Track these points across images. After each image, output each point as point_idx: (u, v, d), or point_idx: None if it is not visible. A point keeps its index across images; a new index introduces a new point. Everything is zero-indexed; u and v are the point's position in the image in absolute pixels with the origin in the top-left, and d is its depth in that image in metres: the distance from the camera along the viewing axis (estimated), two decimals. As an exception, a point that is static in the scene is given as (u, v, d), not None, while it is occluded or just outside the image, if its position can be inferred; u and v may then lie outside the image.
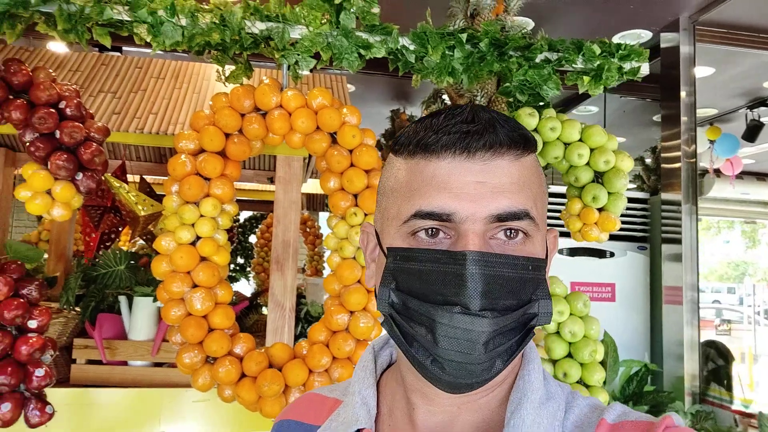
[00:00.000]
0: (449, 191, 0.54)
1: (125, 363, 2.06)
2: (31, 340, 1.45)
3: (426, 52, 1.71)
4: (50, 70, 1.61)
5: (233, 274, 4.42)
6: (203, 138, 1.55)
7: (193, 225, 1.54)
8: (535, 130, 1.73)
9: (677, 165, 2.91)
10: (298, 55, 1.67)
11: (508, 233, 0.56)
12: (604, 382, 1.72)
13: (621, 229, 3.15)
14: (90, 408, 1.99)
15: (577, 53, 1.79)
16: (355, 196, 1.63)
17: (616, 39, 3.14)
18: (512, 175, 0.56)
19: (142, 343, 2.07)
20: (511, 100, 1.80)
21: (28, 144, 1.50)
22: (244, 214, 4.67)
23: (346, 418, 0.65)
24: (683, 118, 2.88)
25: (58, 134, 1.50)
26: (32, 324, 1.46)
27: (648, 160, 3.88)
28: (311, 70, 1.84)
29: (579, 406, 0.61)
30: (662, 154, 3.04)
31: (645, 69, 1.82)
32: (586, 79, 1.82)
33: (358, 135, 1.62)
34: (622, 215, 2.83)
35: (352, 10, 1.67)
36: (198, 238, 1.55)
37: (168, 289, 1.50)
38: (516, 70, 1.74)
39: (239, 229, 4.54)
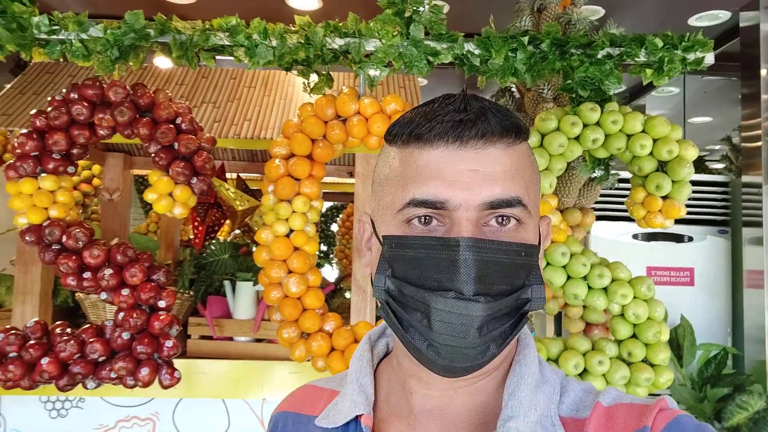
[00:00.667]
0: (442, 179, 0.55)
1: (231, 338, 2.37)
2: (161, 317, 1.75)
3: (490, 55, 1.85)
4: (167, 91, 1.90)
5: (319, 261, 4.74)
6: (293, 144, 1.79)
7: (287, 219, 1.78)
8: (598, 123, 1.83)
9: (758, 144, 2.85)
10: (373, 65, 1.86)
11: (501, 220, 0.57)
12: (681, 363, 1.81)
13: (700, 213, 3.11)
14: (204, 376, 2.32)
15: (640, 47, 1.86)
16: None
17: (692, 21, 3.08)
18: (504, 163, 0.57)
19: (244, 322, 2.37)
20: (574, 95, 1.90)
21: (153, 154, 1.80)
22: (326, 205, 4.97)
23: (344, 406, 0.66)
24: (764, 96, 2.81)
25: (176, 146, 1.78)
26: (161, 304, 1.77)
27: (735, 140, 3.76)
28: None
29: (573, 390, 0.63)
30: (742, 134, 2.97)
31: (710, 58, 1.86)
32: (649, 71, 1.88)
33: (429, 136, 1.79)
34: (701, 199, 2.84)
35: (420, 21, 1.84)
36: (291, 230, 1.79)
37: (268, 274, 1.76)
38: (578, 67, 1.84)
39: (321, 218, 4.85)
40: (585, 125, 1.82)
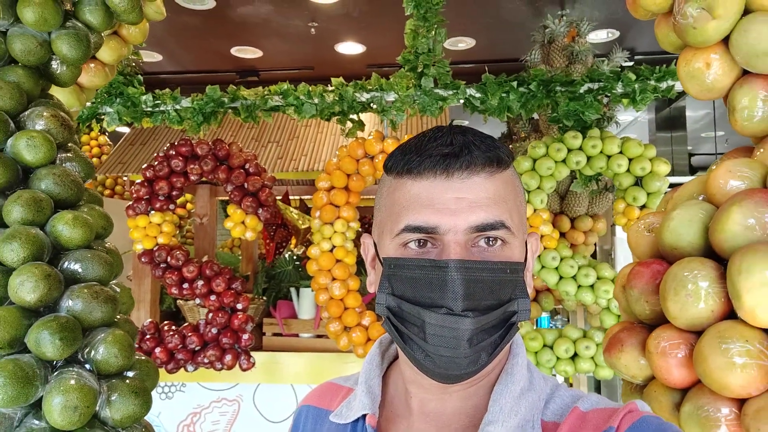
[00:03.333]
0: (432, 207, 0.60)
1: (297, 335, 2.92)
2: (239, 316, 2.32)
3: (487, 98, 2.27)
4: (238, 143, 2.48)
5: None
6: (333, 179, 2.30)
7: (330, 238, 2.29)
8: (580, 148, 2.19)
9: None
10: (394, 112, 2.34)
11: (488, 241, 0.62)
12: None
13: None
14: (277, 366, 2.88)
15: (617, 81, 2.21)
16: (439, 211, 2.25)
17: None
18: (488, 190, 0.61)
19: (307, 321, 2.91)
20: (560, 125, 2.28)
21: (228, 192, 2.38)
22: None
23: (354, 405, 0.72)
24: None
25: (246, 185, 2.35)
26: (239, 306, 2.33)
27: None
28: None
29: (561, 397, 0.67)
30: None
31: (678, 86, 2.17)
32: (625, 101, 2.22)
33: (438, 167, 2.24)
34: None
35: (430, 75, 2.29)
36: (333, 246, 2.30)
37: (317, 281, 2.28)
38: (561, 102, 2.22)
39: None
40: (570, 150, 2.19)
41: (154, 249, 2.35)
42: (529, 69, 2.33)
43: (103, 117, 2.52)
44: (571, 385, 4.13)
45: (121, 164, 3.16)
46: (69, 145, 1.02)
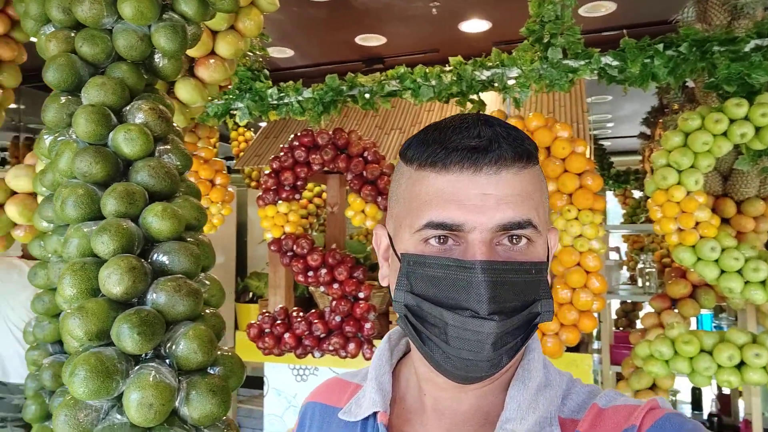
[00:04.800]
0: (458, 203, 0.58)
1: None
2: (361, 305, 2.31)
3: (627, 66, 1.99)
4: (358, 132, 2.46)
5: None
6: (452, 164, 2.18)
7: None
8: (746, 117, 1.83)
9: None
10: (518, 89, 2.15)
11: (513, 239, 0.59)
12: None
13: None
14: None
15: (795, 32, 1.80)
16: (570, 195, 2.03)
17: None
18: (515, 187, 0.59)
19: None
20: (719, 92, 1.92)
21: (348, 181, 2.37)
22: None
23: (364, 402, 0.70)
24: None
25: (365, 173, 2.32)
26: (361, 295, 2.32)
27: None
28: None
29: (577, 393, 0.65)
30: None
31: None
32: (809, 56, 1.81)
33: (568, 146, 2.02)
34: None
35: (557, 45, 2.07)
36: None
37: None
38: (721, 65, 1.87)
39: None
40: (732, 120, 1.84)
41: (282, 237, 2.43)
42: (680, 30, 2.00)
43: (235, 112, 2.66)
44: (740, 394, 3.58)
45: (256, 157, 3.33)
46: (169, 137, 1.03)
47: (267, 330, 2.38)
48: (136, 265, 0.78)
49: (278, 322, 2.39)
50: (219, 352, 0.81)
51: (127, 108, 0.99)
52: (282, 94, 2.51)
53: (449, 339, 0.58)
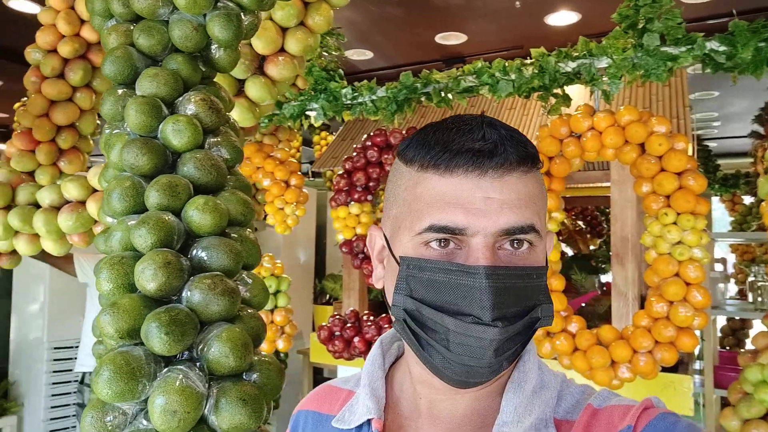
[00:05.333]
0: (461, 207, 0.57)
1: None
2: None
3: (737, 50, 1.75)
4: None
5: (604, 266, 4.67)
6: (532, 163, 2.03)
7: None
8: None
9: None
10: (607, 81, 1.96)
11: (515, 244, 0.59)
12: None
13: None
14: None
15: None
16: (667, 197, 1.81)
17: None
18: (519, 191, 0.58)
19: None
20: None
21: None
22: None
23: (357, 409, 0.69)
24: None
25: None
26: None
27: None
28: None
29: (571, 393, 0.65)
30: None
31: None
32: None
33: (665, 143, 1.80)
34: None
35: (654, 30, 1.86)
36: (534, 240, 2.03)
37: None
38: None
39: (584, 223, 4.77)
40: None
41: (353, 239, 2.38)
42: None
43: (310, 113, 2.65)
44: None
45: (333, 159, 3.33)
46: (221, 129, 0.99)
47: (337, 333, 2.34)
48: (172, 260, 0.73)
49: (348, 325, 2.34)
50: (256, 358, 0.75)
51: (179, 99, 0.96)
52: (356, 94, 2.47)
53: (450, 345, 0.57)
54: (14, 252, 1.80)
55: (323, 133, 5.27)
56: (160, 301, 0.74)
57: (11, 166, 1.91)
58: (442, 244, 0.59)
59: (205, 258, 0.78)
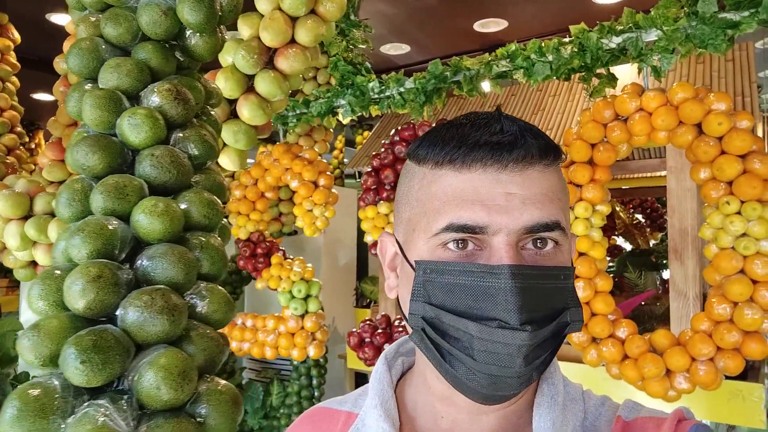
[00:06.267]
0: (481, 204, 0.53)
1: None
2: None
3: (812, 10, 1.50)
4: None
5: (665, 262, 4.33)
6: (571, 151, 1.83)
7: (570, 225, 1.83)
8: None
9: None
10: (658, 55, 1.74)
11: (538, 243, 0.55)
12: None
13: None
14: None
15: None
16: (729, 183, 1.58)
17: None
18: (542, 186, 0.55)
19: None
20: None
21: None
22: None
23: None
24: None
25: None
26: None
27: None
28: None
29: (594, 405, 0.62)
30: None
31: None
32: None
33: (725, 121, 1.57)
34: None
35: (710, -6, 1.63)
36: (575, 236, 1.83)
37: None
38: None
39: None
40: None
41: (382, 240, 2.25)
42: None
43: (338, 110, 2.55)
44: None
45: (366, 157, 3.21)
46: (194, 121, 0.89)
47: (367, 339, 2.22)
48: (105, 273, 0.63)
49: (379, 331, 2.22)
50: (205, 387, 0.64)
51: (144, 91, 0.87)
52: (383, 87, 2.34)
53: (475, 353, 0.53)
54: (32, 264, 1.79)
55: (366, 133, 5.17)
56: (94, 321, 0.64)
57: (43, 176, 1.90)
58: (461, 246, 0.55)
59: (150, 269, 0.67)
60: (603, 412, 0.61)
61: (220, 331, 0.72)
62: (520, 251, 0.55)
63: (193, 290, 0.71)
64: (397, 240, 0.62)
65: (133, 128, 0.79)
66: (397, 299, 0.63)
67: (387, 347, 0.72)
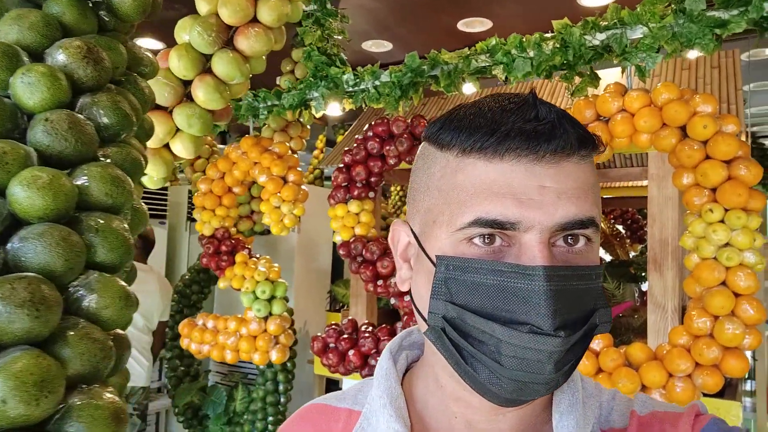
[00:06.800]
0: (513, 197, 0.49)
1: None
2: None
3: (803, 10, 1.42)
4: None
5: (644, 274, 4.28)
6: (551, 153, 1.74)
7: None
8: None
9: None
10: (642, 53, 1.66)
11: (569, 240, 0.52)
12: None
13: None
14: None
15: None
16: (713, 190, 1.50)
17: None
18: (578, 179, 0.51)
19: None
20: None
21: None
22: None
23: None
24: None
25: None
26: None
27: None
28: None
29: (606, 399, 0.61)
30: None
31: None
32: None
33: (711, 125, 1.49)
34: None
35: (699, -10, 1.55)
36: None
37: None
38: None
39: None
40: None
41: (351, 240, 2.14)
42: None
43: (310, 103, 2.43)
44: None
45: (340, 155, 3.10)
46: (111, 87, 0.77)
47: (331, 345, 2.10)
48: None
49: (344, 336, 2.10)
50: (77, 400, 0.51)
51: (49, 49, 0.74)
52: (358, 80, 2.23)
53: (502, 358, 0.49)
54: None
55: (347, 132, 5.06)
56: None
57: None
58: (487, 240, 0.51)
59: (21, 253, 0.55)
60: (615, 406, 0.60)
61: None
62: (551, 249, 0.51)
63: (80, 281, 0.59)
64: (412, 230, 0.58)
65: (27, 87, 0.67)
66: (410, 291, 0.59)
67: (390, 341, 0.67)
